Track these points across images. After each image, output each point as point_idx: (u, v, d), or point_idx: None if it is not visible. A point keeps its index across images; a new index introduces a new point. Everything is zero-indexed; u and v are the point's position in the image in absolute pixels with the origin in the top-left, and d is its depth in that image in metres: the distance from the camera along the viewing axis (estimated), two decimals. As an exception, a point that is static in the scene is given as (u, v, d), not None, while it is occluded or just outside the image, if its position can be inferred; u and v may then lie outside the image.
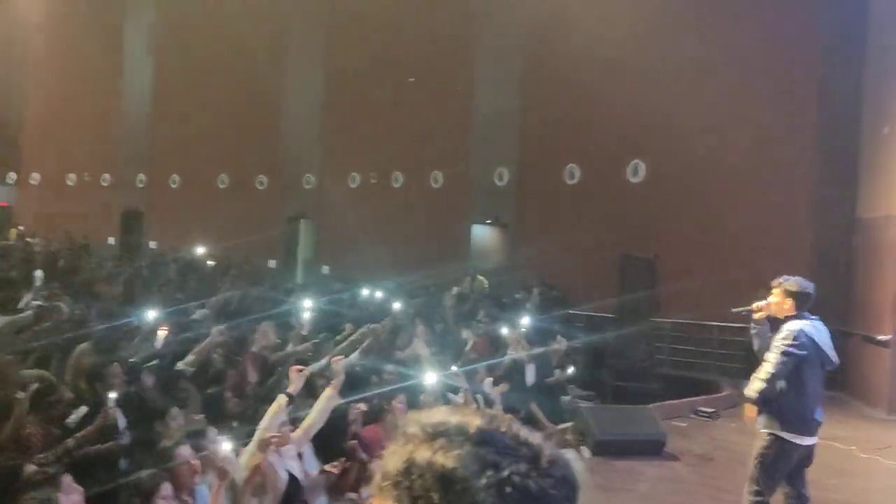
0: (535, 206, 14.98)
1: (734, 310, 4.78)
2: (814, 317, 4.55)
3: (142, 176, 21.51)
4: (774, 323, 4.69)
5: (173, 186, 20.90)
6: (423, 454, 0.79)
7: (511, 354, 7.81)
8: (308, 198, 18.81)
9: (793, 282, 4.57)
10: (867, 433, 8.26)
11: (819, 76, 11.64)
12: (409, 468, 0.79)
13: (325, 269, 17.98)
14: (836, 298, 10.94)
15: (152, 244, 20.50)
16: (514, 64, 15.45)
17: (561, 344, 8.40)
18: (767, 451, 4.46)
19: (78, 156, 22.10)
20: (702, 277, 11.29)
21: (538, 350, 7.96)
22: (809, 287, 4.57)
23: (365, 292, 11.53)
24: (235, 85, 19.28)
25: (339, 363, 5.02)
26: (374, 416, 5.36)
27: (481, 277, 14.85)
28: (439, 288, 13.32)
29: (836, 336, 10.94)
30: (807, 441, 4.55)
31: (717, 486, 6.33)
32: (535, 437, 0.82)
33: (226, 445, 3.76)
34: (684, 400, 9.16)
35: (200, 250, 17.46)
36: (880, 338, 9.39)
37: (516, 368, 7.54)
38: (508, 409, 7.03)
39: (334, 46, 18.25)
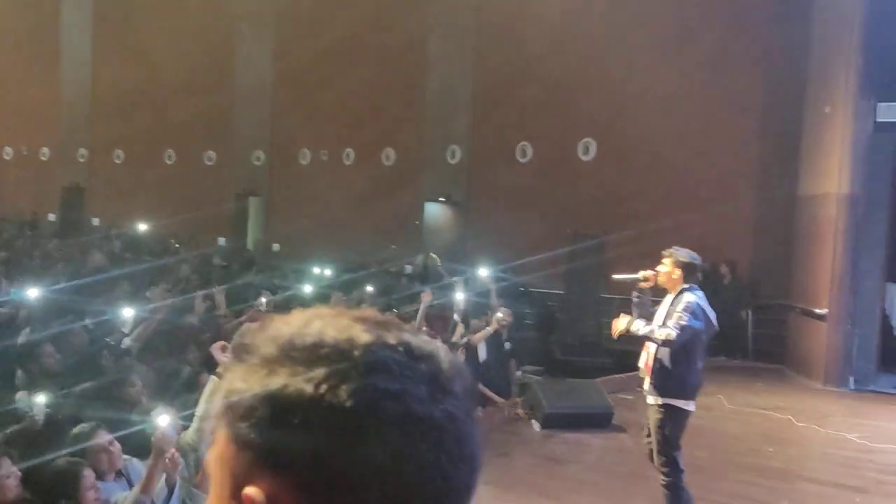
0: (487, 184, 15.02)
1: (616, 277, 4.81)
2: (697, 287, 4.67)
3: (83, 150, 20.82)
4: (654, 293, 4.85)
5: (117, 161, 20.30)
6: (290, 385, 0.58)
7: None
8: (258, 174, 18.49)
9: (684, 253, 4.66)
10: (804, 403, 8.57)
11: (764, 56, 11.89)
12: (268, 402, 0.58)
13: (276, 247, 17.77)
14: (776, 273, 11.31)
15: (95, 220, 19.92)
16: (466, 41, 15.39)
17: (508, 317, 8.46)
18: (667, 421, 4.55)
19: (15, 128, 21.26)
20: (648, 253, 11.50)
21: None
22: (698, 259, 4.70)
23: (315, 270, 11.42)
24: (182, 58, 18.75)
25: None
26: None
27: (434, 255, 14.86)
28: (394, 266, 13.29)
29: (776, 310, 11.36)
30: (692, 406, 4.71)
31: (662, 455, 6.50)
32: (428, 344, 0.64)
33: (163, 420, 3.56)
34: (631, 373, 9.34)
35: (144, 227, 17.03)
36: (818, 311, 9.73)
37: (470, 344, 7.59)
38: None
39: (284, 22, 17.89)
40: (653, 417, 4.63)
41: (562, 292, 11.06)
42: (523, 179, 14.34)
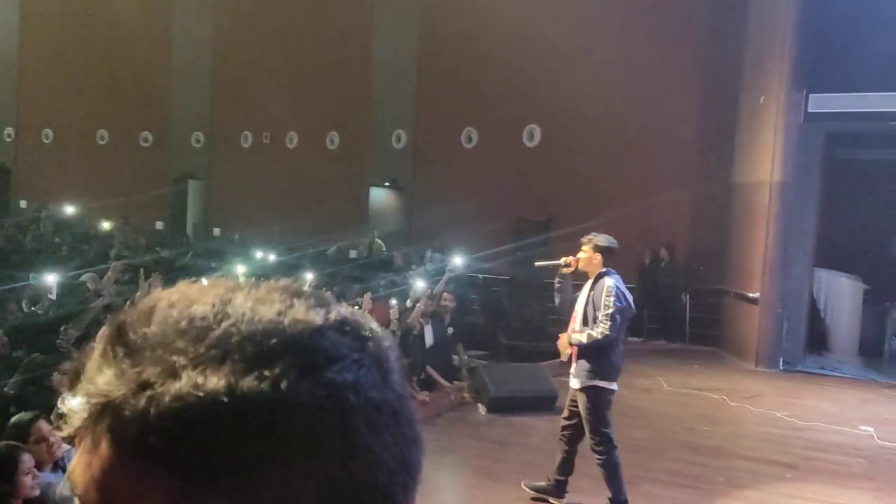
0: (432, 169, 15.03)
1: (538, 263, 4.87)
2: (613, 270, 4.81)
3: (9, 129, 19.93)
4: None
5: (45, 141, 19.50)
6: (237, 384, 0.47)
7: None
8: (197, 157, 18.05)
9: (602, 238, 4.77)
10: (738, 384, 8.91)
11: (702, 47, 12.20)
12: (204, 407, 0.46)
13: (217, 232, 17.41)
14: (713, 258, 11.68)
15: (22, 203, 19.13)
16: (412, 26, 15.30)
17: (451, 302, 8.51)
18: (597, 403, 4.70)
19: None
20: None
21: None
22: (615, 244, 4.82)
23: (259, 254, 11.25)
24: (115, 35, 18.08)
25: None
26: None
27: (379, 240, 14.81)
28: (339, 250, 13.20)
29: (711, 294, 11.71)
30: (615, 386, 4.87)
31: (605, 436, 6.67)
32: (365, 320, 0.55)
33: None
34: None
35: (73, 210, 16.39)
36: (751, 295, 10.09)
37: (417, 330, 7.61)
38: (409, 371, 7.11)
39: (225, 1, 17.43)
40: (581, 400, 4.74)
41: (507, 278, 11.18)
42: (469, 165, 14.41)
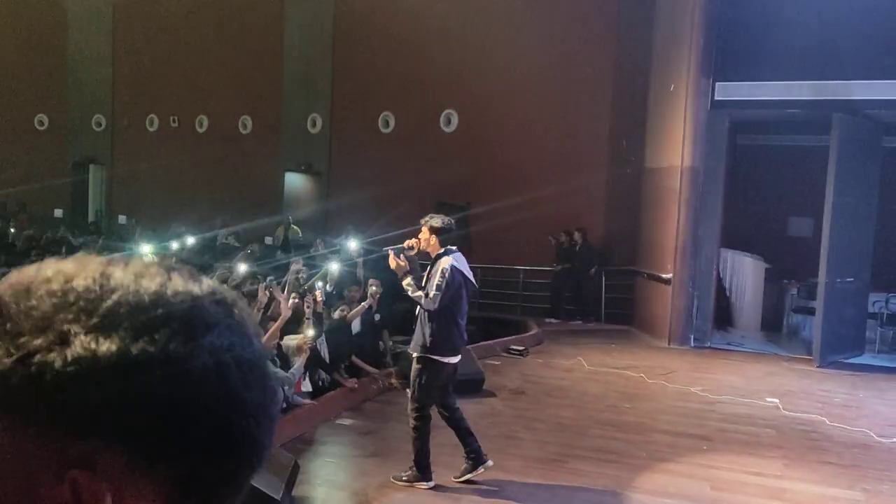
0: (349, 154, 14.83)
1: (386, 249, 4.97)
2: (454, 249, 5.00)
3: None
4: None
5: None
6: (128, 348, 0.52)
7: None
8: (99, 141, 17.16)
9: (437, 218, 4.97)
10: (653, 361, 9.25)
11: (615, 37, 12.50)
12: (103, 368, 0.51)
13: (122, 219, 16.63)
14: (626, 241, 12.05)
15: None
16: (327, 9, 14.98)
17: (378, 288, 8.46)
18: (422, 373, 4.94)
19: None
20: (509, 223, 11.90)
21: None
22: (450, 223, 5.01)
23: (174, 245, 10.67)
24: (6, 13, 16.90)
25: None
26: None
27: (295, 226, 14.52)
28: (253, 237, 12.84)
29: (625, 275, 12.06)
30: (453, 360, 5.06)
31: (530, 416, 6.81)
32: (225, 290, 0.60)
33: None
34: (497, 340, 9.67)
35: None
36: (664, 276, 10.48)
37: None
38: (336, 359, 7.01)
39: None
40: (413, 368, 5.00)
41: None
42: (387, 150, 14.29)
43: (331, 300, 7.66)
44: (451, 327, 4.94)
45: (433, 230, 4.90)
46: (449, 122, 13.95)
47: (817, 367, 9.30)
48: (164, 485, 0.53)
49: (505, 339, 9.81)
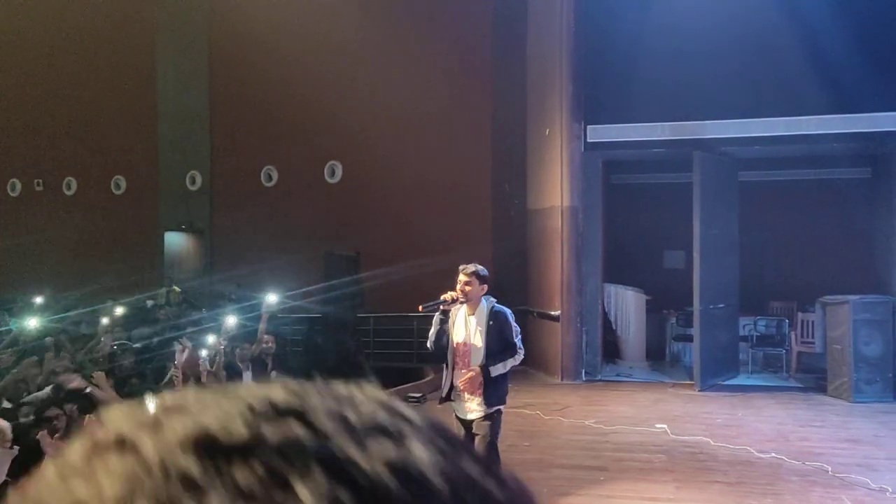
0: (232, 209, 14.49)
1: (422, 307, 4.80)
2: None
3: None
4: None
5: None
6: None
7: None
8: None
9: (476, 266, 4.87)
10: (548, 398, 9.43)
11: (490, 86, 12.98)
12: None
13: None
14: (515, 282, 12.32)
15: None
16: (200, 64, 14.76)
17: (272, 344, 8.23)
18: (499, 425, 4.81)
19: None
20: (400, 271, 11.92)
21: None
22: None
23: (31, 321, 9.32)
24: None
25: None
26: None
27: (176, 287, 13.94)
28: (134, 300, 12.19)
29: (516, 315, 12.29)
30: None
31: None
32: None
33: None
34: (395, 388, 9.57)
35: None
36: (552, 313, 10.77)
37: (235, 374, 7.22)
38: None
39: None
40: (484, 426, 4.72)
41: (319, 315, 11.01)
42: (271, 203, 14.07)
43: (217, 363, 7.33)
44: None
45: (482, 278, 4.75)
46: (333, 172, 13.94)
47: (699, 390, 9.77)
48: None
49: (403, 386, 9.74)
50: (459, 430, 4.69)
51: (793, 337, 11.11)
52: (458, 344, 4.73)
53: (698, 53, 10.15)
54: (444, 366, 4.87)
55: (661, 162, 11.81)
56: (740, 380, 10.54)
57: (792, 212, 12.63)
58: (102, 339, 8.72)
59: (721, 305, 10.22)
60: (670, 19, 10.32)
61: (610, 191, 12.08)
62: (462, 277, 4.72)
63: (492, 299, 4.78)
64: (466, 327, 4.71)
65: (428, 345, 4.85)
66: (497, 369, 4.71)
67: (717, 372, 10.26)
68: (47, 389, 6.13)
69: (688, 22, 10.21)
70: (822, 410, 8.63)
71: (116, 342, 8.43)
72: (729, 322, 10.55)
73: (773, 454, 6.74)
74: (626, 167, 12.71)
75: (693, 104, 10.25)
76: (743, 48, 10.09)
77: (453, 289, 4.73)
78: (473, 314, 4.72)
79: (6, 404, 6.00)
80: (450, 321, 4.76)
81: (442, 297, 4.70)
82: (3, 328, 9.32)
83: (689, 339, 10.71)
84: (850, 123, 9.85)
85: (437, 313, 4.77)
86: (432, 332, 4.80)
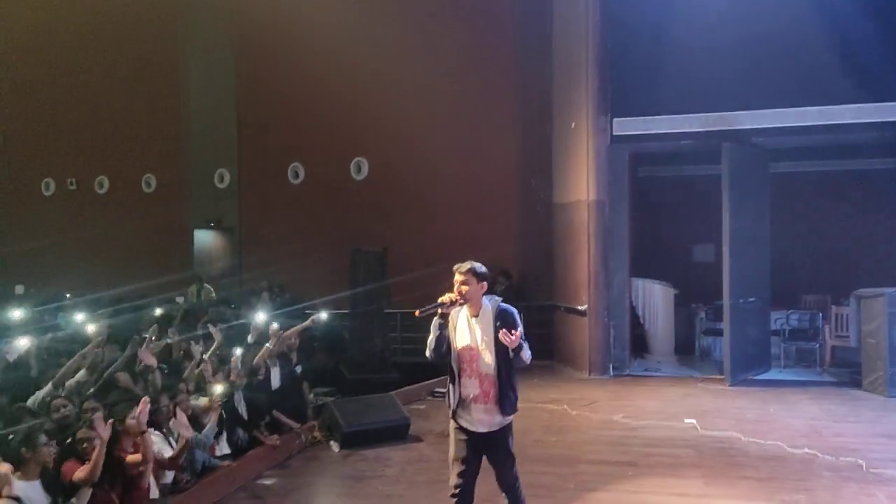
0: (260, 207, 14.64)
1: (419, 312, 4.19)
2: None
3: None
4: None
5: None
6: None
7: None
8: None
9: (473, 264, 4.30)
10: (576, 393, 9.38)
11: (518, 82, 12.92)
12: None
13: (20, 289, 15.74)
14: (541, 276, 12.28)
15: None
16: (226, 62, 14.91)
17: (294, 340, 8.31)
18: (512, 436, 4.37)
19: None
20: (426, 266, 11.93)
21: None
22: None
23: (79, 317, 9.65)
24: None
25: None
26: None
27: (208, 286, 14.12)
28: (163, 299, 12.37)
29: (543, 310, 12.27)
30: None
31: (459, 459, 6.74)
32: None
33: None
34: (420, 384, 9.60)
35: None
36: (580, 308, 10.71)
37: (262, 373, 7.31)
38: (255, 416, 6.79)
39: (16, 34, 16.01)
40: (503, 437, 4.29)
41: (346, 311, 11.05)
42: (298, 201, 14.19)
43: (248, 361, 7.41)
44: None
45: (481, 276, 4.22)
46: (359, 169, 14.00)
47: (729, 385, 9.65)
48: None
49: (427, 381, 9.75)
50: (469, 446, 4.22)
51: (826, 331, 10.92)
52: (462, 349, 4.20)
53: (725, 44, 10.00)
54: (449, 377, 4.30)
55: (689, 154, 11.67)
56: (772, 374, 10.39)
57: (825, 203, 12.41)
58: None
59: (752, 299, 10.07)
60: (696, 10, 10.18)
61: (637, 184, 11.98)
62: (458, 277, 4.19)
63: (495, 298, 4.31)
64: (470, 330, 4.21)
65: (427, 353, 4.24)
66: (520, 359, 4.14)
67: (748, 366, 10.12)
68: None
69: (714, 12, 10.06)
70: (856, 405, 8.48)
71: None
72: (760, 316, 10.40)
73: (806, 449, 6.63)
74: (653, 160, 12.58)
75: (721, 95, 10.11)
76: (771, 37, 9.92)
77: (452, 290, 4.21)
78: (477, 316, 4.21)
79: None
80: (450, 326, 4.21)
81: (439, 301, 4.15)
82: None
83: (719, 333, 10.58)
84: (883, 112, 9.64)
85: (436, 318, 4.19)
86: (431, 339, 4.19)
